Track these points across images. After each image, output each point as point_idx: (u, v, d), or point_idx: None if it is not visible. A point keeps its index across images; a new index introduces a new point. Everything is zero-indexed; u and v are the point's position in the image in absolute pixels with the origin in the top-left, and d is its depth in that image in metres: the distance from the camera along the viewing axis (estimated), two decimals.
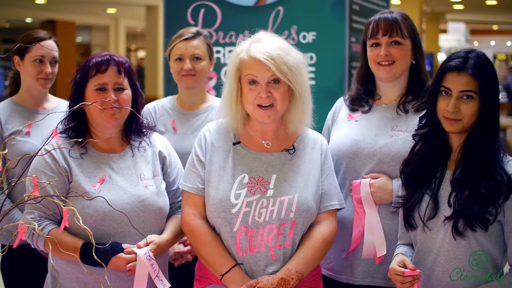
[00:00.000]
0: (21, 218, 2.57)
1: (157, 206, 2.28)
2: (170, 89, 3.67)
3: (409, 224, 2.15)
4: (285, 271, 2.12)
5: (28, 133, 2.72)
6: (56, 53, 2.86)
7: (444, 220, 2.06)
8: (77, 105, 2.02)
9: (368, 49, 2.47)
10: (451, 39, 18.49)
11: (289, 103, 2.21)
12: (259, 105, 2.17)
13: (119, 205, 2.17)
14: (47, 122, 2.45)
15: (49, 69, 2.82)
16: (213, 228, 2.21)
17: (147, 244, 2.18)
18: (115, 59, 2.27)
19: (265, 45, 2.17)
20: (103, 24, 18.31)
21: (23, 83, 2.87)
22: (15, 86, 2.91)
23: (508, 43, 26.71)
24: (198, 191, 2.23)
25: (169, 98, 3.07)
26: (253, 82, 2.17)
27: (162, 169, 2.40)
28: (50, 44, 2.84)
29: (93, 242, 1.80)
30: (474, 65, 2.05)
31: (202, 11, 3.91)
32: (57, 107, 2.88)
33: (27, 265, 2.73)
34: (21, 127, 2.73)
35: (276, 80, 2.16)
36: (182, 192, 2.30)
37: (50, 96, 2.96)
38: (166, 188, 2.37)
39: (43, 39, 2.82)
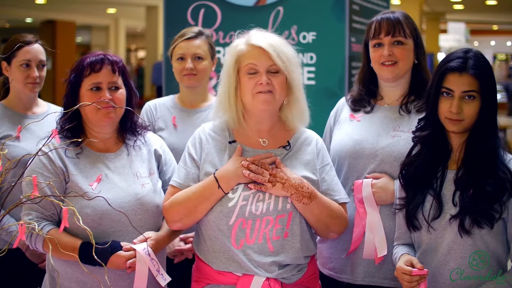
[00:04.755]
0: (9, 222, 2.56)
1: (154, 204, 2.29)
2: (170, 89, 3.67)
3: (413, 226, 2.15)
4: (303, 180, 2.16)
5: (18, 138, 2.70)
6: (43, 56, 2.85)
7: (450, 219, 2.07)
8: (76, 106, 2.02)
9: (371, 49, 2.47)
10: (451, 39, 18.47)
11: (285, 97, 2.23)
12: (258, 93, 2.18)
13: (117, 203, 2.17)
14: (37, 127, 2.45)
15: (36, 73, 2.81)
16: (208, 227, 2.19)
17: (145, 240, 2.19)
18: (109, 58, 2.27)
19: (264, 35, 2.22)
20: (103, 24, 18.32)
21: (12, 88, 2.85)
22: (5, 90, 2.88)
23: (508, 43, 26.73)
24: (184, 187, 2.23)
25: (171, 96, 3.08)
26: (252, 72, 2.18)
27: (158, 167, 2.41)
28: (36, 48, 2.83)
29: (93, 242, 1.79)
30: (475, 64, 2.06)
31: (202, 11, 3.90)
32: (47, 112, 2.85)
33: (17, 270, 2.73)
34: (11, 131, 2.73)
35: (275, 71, 2.18)
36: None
37: (40, 101, 2.95)
38: (162, 186, 2.38)
39: (29, 43, 2.80)
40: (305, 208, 2.15)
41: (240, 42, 2.24)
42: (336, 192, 2.28)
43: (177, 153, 2.51)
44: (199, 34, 2.94)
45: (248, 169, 2.14)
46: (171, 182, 2.28)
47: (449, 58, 2.11)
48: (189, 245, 2.72)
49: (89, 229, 1.83)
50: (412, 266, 2.04)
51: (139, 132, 2.39)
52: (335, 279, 2.51)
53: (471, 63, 2.05)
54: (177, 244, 2.73)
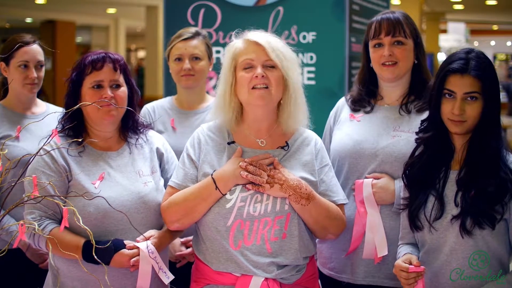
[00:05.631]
0: (9, 222, 2.56)
1: (157, 202, 2.29)
2: (170, 89, 3.67)
3: (415, 226, 2.15)
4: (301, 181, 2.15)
5: (17, 138, 2.70)
6: (41, 57, 2.84)
7: (451, 220, 2.07)
8: (77, 105, 2.02)
9: (371, 50, 2.47)
10: (451, 39, 18.48)
11: (282, 96, 2.22)
12: (253, 88, 2.17)
13: (119, 202, 2.18)
14: (36, 127, 2.45)
15: (34, 73, 2.80)
16: (206, 228, 2.19)
17: (147, 239, 2.19)
18: (110, 56, 2.28)
19: (261, 33, 2.23)
20: (103, 24, 18.30)
21: (11, 89, 2.85)
22: (4, 91, 2.88)
23: (508, 43, 26.71)
24: (182, 188, 2.23)
25: (168, 98, 3.08)
26: (248, 66, 2.18)
27: (160, 165, 2.41)
28: (34, 48, 2.82)
29: (93, 242, 1.80)
30: (476, 65, 2.05)
31: (202, 11, 3.91)
32: (46, 112, 2.86)
33: (17, 270, 2.73)
34: (10, 131, 2.72)
35: (271, 67, 2.18)
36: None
37: (39, 101, 2.94)
38: (164, 185, 2.38)
39: (27, 43, 2.79)
40: (303, 209, 2.15)
41: (237, 41, 2.25)
42: (335, 193, 2.27)
43: (177, 155, 2.51)
44: (196, 35, 2.94)
45: (246, 170, 2.14)
46: (169, 183, 2.28)
47: (451, 59, 2.10)
48: (190, 249, 2.72)
49: (89, 229, 1.83)
50: (410, 263, 2.05)
51: (141, 130, 2.40)
52: (335, 279, 2.51)
53: (473, 64, 2.05)
54: (178, 249, 2.73)
